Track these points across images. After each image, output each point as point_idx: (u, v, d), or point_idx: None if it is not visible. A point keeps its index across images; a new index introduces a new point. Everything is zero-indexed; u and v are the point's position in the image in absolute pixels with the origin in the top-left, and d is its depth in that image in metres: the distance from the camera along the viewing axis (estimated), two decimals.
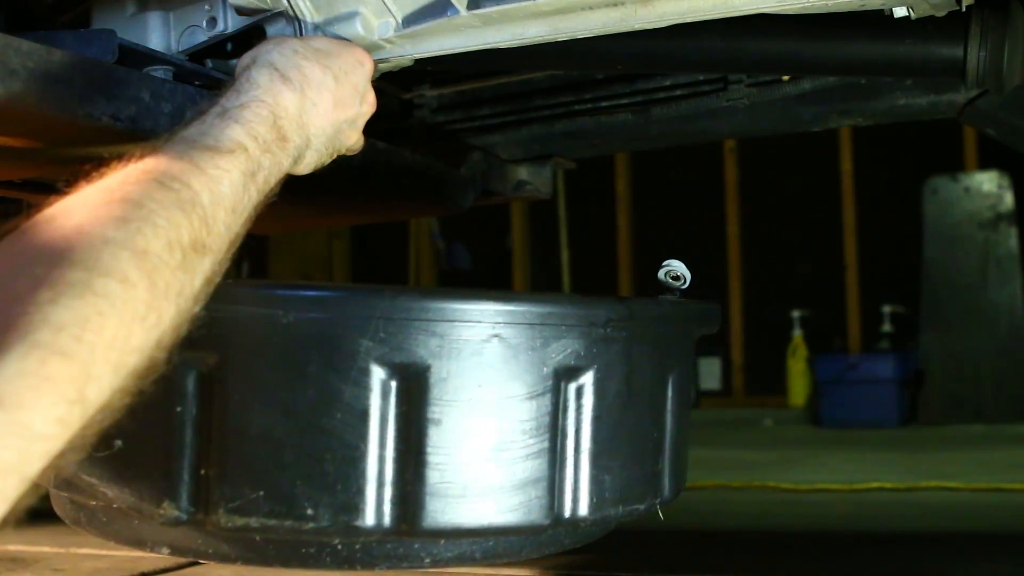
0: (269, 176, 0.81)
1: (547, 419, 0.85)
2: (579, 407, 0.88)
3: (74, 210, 0.64)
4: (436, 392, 0.82)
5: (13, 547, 1.57)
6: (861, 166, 5.75)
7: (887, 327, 5.47)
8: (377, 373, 0.81)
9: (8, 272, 0.58)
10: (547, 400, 0.85)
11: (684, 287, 1.01)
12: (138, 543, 0.90)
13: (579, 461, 0.88)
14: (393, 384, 0.81)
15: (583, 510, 0.89)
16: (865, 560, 1.56)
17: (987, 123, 1.45)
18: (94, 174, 0.68)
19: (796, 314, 5.73)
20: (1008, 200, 5.07)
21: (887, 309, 5.48)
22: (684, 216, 6.14)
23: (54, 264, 0.58)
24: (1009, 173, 5.06)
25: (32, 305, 0.55)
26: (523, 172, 1.69)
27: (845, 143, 5.75)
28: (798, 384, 5.69)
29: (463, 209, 1.57)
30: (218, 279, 0.73)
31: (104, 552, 1.52)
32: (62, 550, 1.56)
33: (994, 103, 1.40)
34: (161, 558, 1.27)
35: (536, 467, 0.85)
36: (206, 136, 0.77)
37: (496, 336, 0.83)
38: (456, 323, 0.82)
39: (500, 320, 0.83)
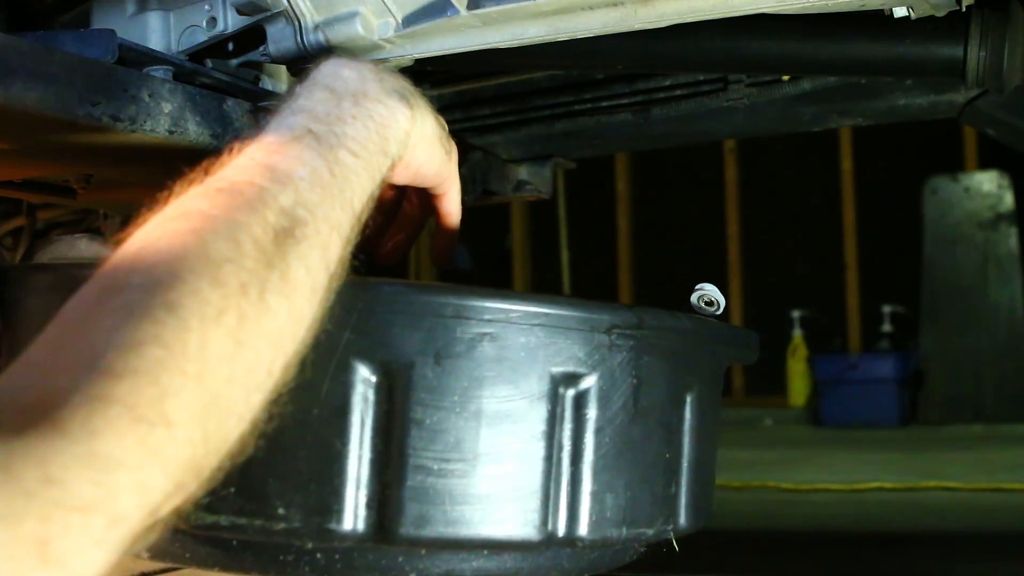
0: (353, 137, 0.75)
1: (542, 427, 0.80)
2: (578, 417, 0.82)
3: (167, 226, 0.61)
4: (420, 391, 0.77)
5: None
6: (861, 166, 5.76)
7: (887, 327, 5.48)
8: (357, 368, 0.76)
9: (94, 295, 0.57)
10: (543, 406, 0.80)
11: (718, 313, 0.95)
12: None
13: (577, 474, 0.82)
14: (374, 380, 0.77)
15: (581, 528, 0.82)
16: (865, 560, 1.56)
17: (987, 123, 1.45)
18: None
19: (796, 314, 5.73)
20: (1008, 200, 5.07)
21: (887, 309, 5.49)
22: (684, 216, 6.15)
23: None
24: (1009, 173, 5.06)
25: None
26: (523, 172, 1.69)
27: (845, 143, 5.76)
28: (798, 384, 5.70)
29: (463, 209, 1.57)
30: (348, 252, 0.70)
31: None
32: None
33: (994, 103, 1.40)
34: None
35: (528, 477, 0.79)
36: (265, 145, 0.72)
37: (487, 335, 0.78)
38: (444, 319, 0.77)
39: (492, 318, 0.78)
